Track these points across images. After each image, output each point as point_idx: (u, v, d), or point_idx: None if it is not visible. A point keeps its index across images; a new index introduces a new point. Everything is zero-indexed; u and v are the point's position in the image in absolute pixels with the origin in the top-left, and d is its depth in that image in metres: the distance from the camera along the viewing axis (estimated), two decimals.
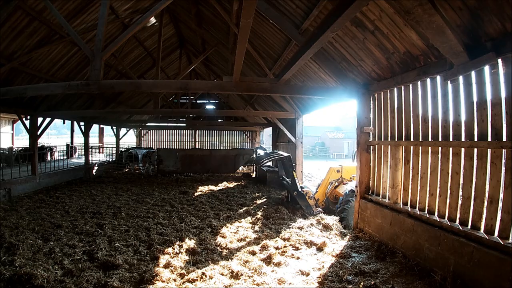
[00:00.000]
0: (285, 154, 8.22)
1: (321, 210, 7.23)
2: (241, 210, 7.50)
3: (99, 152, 18.66)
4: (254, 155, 13.44)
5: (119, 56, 10.44)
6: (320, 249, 4.91)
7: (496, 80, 3.30)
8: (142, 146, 22.11)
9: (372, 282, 3.62)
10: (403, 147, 4.93)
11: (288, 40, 6.93)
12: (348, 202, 6.52)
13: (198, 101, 22.12)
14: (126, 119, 18.82)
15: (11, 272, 3.73)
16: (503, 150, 3.20)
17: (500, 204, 3.24)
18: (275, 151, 12.01)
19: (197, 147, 22.88)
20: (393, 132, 5.26)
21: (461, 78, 3.73)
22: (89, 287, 3.57)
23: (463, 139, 3.77)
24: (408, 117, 4.85)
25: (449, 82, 3.88)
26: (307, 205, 7.05)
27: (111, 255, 4.46)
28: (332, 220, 6.31)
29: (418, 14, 2.62)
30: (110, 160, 16.90)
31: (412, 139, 4.71)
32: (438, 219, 4.04)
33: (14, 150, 13.97)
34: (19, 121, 10.86)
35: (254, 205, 8.16)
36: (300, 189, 7.24)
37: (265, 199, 8.86)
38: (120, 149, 18.64)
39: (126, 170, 15.43)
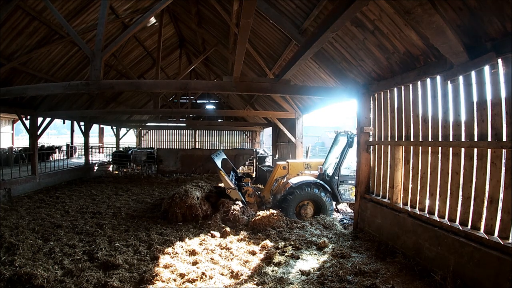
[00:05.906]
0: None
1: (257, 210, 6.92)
2: None
3: (99, 152, 18.65)
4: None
5: (119, 56, 10.44)
6: (320, 249, 4.91)
7: (496, 80, 3.29)
8: (142, 146, 22.11)
9: (372, 282, 3.62)
10: (403, 147, 4.93)
11: (288, 40, 6.93)
12: (293, 193, 6.54)
13: (198, 101, 22.11)
14: (126, 119, 18.82)
15: (11, 272, 3.73)
16: (503, 150, 3.20)
17: (500, 204, 3.24)
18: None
19: (197, 147, 22.89)
20: (393, 132, 5.26)
21: (461, 78, 3.72)
22: (89, 287, 3.57)
23: (463, 139, 3.76)
24: (408, 117, 4.85)
25: (449, 82, 3.88)
26: (242, 202, 6.86)
27: (111, 255, 4.46)
28: (332, 220, 6.31)
29: (418, 14, 2.62)
30: (110, 160, 16.88)
31: (412, 139, 4.71)
32: (438, 219, 4.04)
33: (14, 150, 13.95)
34: (19, 121, 10.85)
35: None
36: (233, 186, 6.98)
37: None
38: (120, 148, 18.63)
39: (116, 172, 15.08)
